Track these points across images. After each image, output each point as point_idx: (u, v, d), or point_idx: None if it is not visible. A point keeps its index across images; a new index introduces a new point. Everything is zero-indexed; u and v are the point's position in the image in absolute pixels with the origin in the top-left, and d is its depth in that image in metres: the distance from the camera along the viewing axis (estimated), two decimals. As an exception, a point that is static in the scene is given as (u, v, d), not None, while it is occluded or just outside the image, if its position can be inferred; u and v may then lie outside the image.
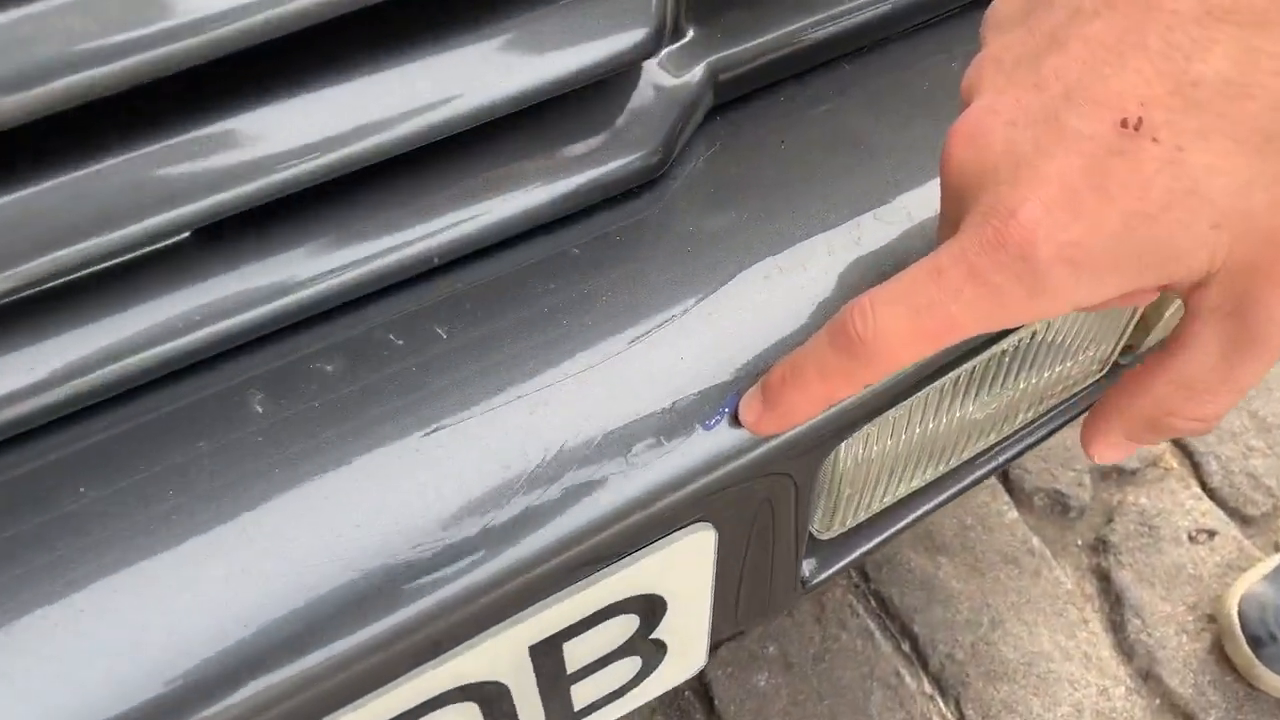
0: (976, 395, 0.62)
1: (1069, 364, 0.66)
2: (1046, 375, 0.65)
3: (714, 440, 0.49)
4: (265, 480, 0.45)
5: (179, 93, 0.42)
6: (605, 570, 0.50)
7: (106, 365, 0.44)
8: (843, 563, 0.67)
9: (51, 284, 0.42)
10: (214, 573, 0.43)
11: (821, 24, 0.56)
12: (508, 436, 0.46)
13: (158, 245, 0.45)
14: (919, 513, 0.69)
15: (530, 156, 0.51)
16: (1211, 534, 1.31)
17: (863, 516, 0.65)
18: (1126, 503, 1.33)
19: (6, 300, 0.41)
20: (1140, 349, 0.72)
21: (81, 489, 0.44)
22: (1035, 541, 1.31)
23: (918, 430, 0.61)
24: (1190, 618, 1.25)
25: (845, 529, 0.65)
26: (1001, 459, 0.72)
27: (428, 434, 0.46)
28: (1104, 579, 1.28)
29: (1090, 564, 1.30)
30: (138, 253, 0.45)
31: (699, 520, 0.52)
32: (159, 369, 0.45)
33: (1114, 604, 1.27)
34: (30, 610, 0.41)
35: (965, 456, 0.68)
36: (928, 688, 1.21)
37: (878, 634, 1.24)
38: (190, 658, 0.42)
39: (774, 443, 0.50)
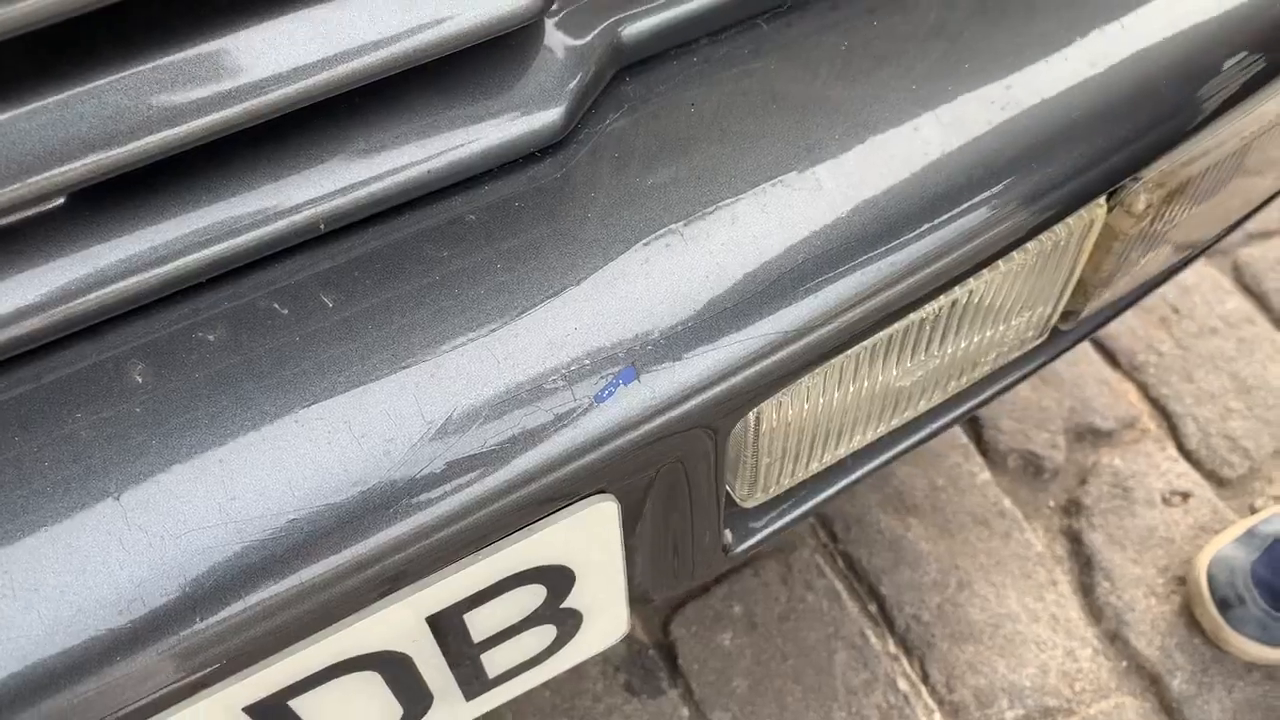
0: (899, 362, 0.60)
1: (1001, 328, 0.65)
2: (977, 340, 0.64)
3: (608, 412, 0.48)
4: (144, 454, 0.44)
5: (41, 55, 0.41)
6: (500, 543, 0.50)
7: (-22, 336, 0.44)
8: (769, 530, 0.66)
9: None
10: (91, 548, 0.43)
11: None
12: (392, 410, 0.46)
13: (27, 212, 0.44)
14: (852, 477, 0.68)
15: (423, 119, 0.49)
16: (1186, 496, 1.29)
17: (787, 484, 0.64)
18: (1101, 464, 1.32)
19: None
20: (1082, 313, 0.71)
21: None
22: (1007, 503, 1.30)
23: (836, 397, 0.60)
24: (1160, 580, 1.24)
25: (769, 496, 0.64)
26: (939, 424, 0.71)
27: (309, 406, 0.45)
28: (1075, 541, 1.27)
29: (1061, 526, 1.29)
30: (3, 220, 0.44)
31: (599, 492, 0.51)
32: (32, 339, 0.45)
33: (1084, 566, 1.26)
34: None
35: (895, 423, 0.67)
36: (893, 648, 1.21)
37: (844, 594, 1.24)
38: (68, 633, 0.42)
39: (673, 413, 0.49)
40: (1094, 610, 1.24)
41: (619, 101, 0.54)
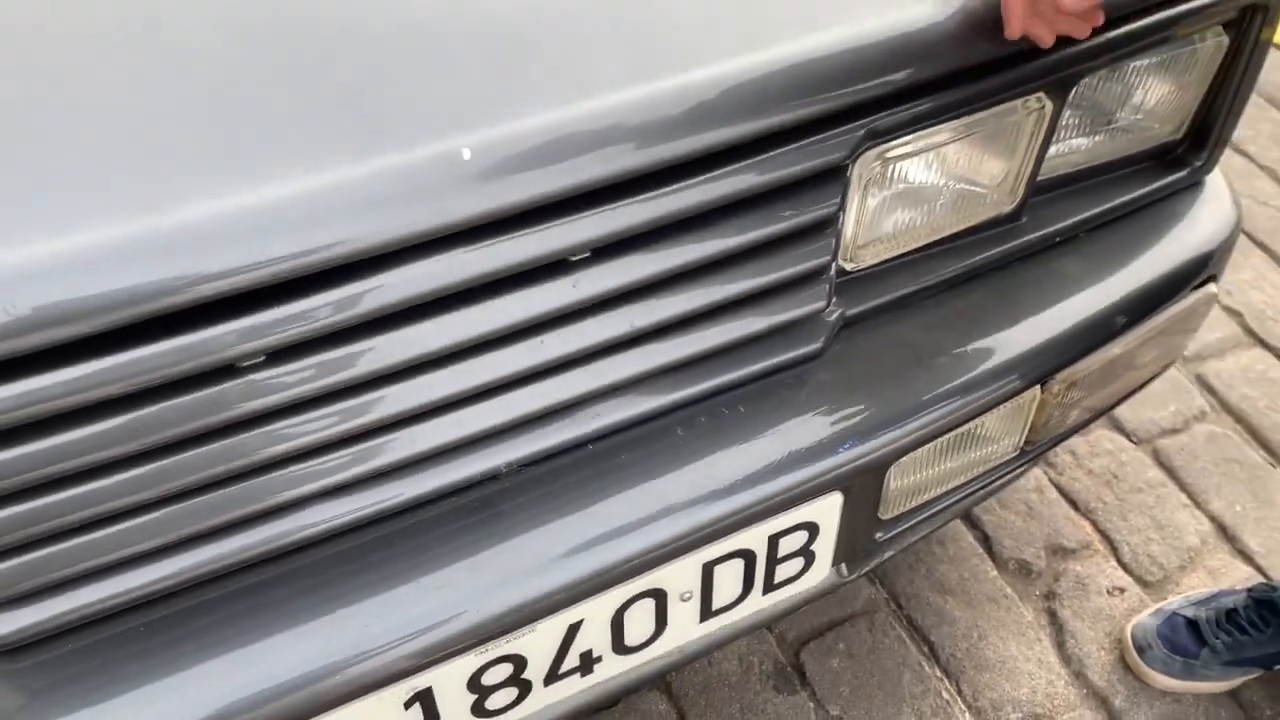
0: (947, 457, 1.40)
1: (995, 446, 1.44)
2: (984, 450, 1.44)
3: (847, 455, 1.27)
4: (681, 456, 1.23)
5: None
6: (802, 505, 1.28)
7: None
8: (894, 532, 1.43)
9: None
10: (675, 492, 1.22)
11: (900, 288, 1.37)
12: (752, 459, 1.25)
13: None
14: (926, 515, 1.46)
15: (761, 351, 1.31)
16: (1122, 590, 2.03)
17: (899, 511, 1.42)
18: (1069, 569, 2.07)
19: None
20: (1037, 443, 1.50)
21: (622, 455, 1.23)
22: (1008, 590, 2.04)
23: (921, 473, 1.39)
24: (1107, 640, 1.96)
25: (891, 515, 1.42)
26: (966, 498, 1.49)
27: (738, 445, 1.25)
28: (1052, 615, 2.01)
29: (1044, 606, 2.02)
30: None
31: (837, 489, 1.29)
32: (631, 423, 1.25)
33: (1058, 630, 1.99)
34: (599, 496, 1.20)
35: (945, 490, 1.45)
36: (939, 673, 1.92)
37: (908, 639, 1.96)
38: (653, 523, 1.20)
39: (861, 461, 1.28)
40: (1065, 657, 1.96)
41: (841, 339, 1.36)
